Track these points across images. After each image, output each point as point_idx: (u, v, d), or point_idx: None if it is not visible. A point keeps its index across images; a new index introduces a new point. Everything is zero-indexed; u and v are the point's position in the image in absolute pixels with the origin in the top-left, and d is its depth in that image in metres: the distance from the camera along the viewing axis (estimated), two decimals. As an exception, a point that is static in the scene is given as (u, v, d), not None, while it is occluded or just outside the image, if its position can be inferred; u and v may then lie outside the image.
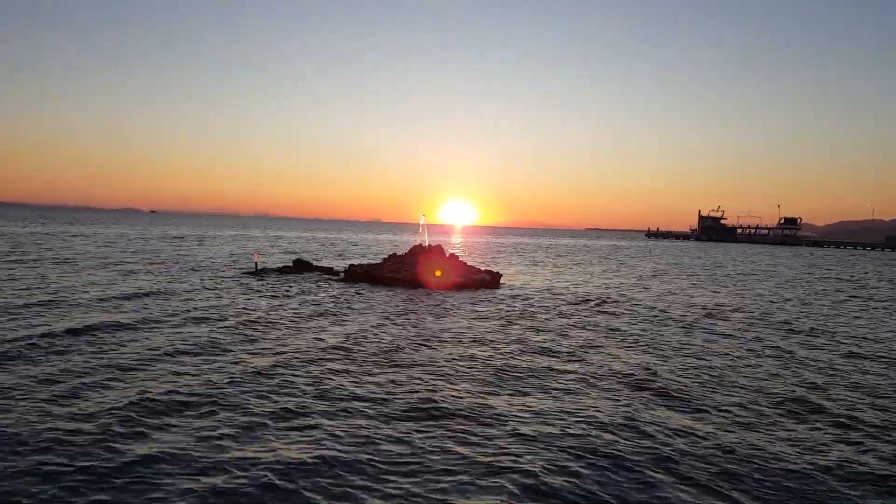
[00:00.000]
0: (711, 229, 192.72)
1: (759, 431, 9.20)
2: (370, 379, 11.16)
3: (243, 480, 6.77)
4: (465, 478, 7.12)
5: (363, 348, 13.77)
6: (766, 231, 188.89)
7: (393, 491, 6.73)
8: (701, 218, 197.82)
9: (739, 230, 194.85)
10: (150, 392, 9.63)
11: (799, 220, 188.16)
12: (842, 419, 9.96)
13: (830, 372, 13.44)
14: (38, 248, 39.07)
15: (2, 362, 11.09)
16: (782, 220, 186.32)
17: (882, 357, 15.37)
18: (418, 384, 10.90)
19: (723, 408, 10.31)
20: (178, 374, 10.89)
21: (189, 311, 17.65)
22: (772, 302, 27.53)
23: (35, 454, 7.19)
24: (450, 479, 7.09)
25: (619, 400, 10.51)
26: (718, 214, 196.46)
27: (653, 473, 7.44)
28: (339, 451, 7.70)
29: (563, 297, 25.82)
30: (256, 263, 32.14)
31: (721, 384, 11.90)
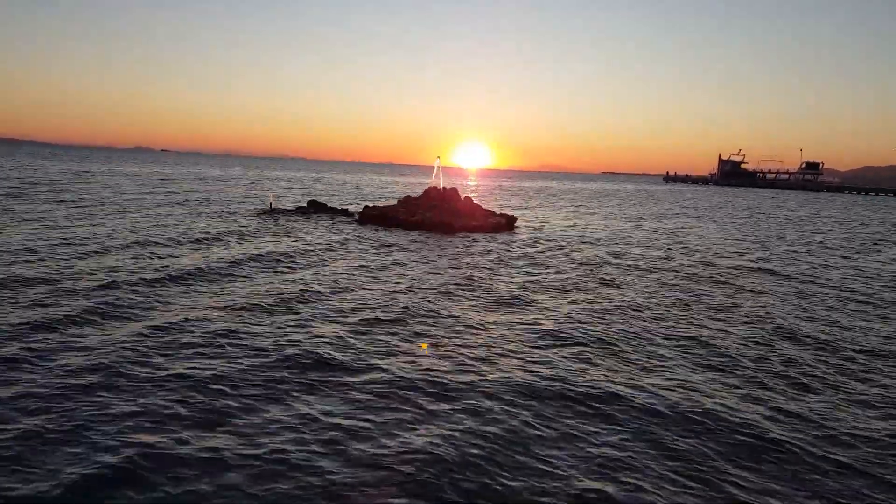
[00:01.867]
0: (731, 174, 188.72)
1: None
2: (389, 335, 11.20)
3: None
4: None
5: (377, 293, 13.79)
6: (787, 176, 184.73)
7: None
8: (721, 162, 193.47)
9: (760, 175, 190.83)
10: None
11: (821, 164, 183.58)
12: None
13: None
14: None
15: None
16: (804, 165, 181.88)
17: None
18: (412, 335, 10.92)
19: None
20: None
21: (203, 246, 17.76)
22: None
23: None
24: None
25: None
26: (739, 158, 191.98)
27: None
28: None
29: (578, 239, 25.65)
30: (271, 203, 32.14)
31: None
